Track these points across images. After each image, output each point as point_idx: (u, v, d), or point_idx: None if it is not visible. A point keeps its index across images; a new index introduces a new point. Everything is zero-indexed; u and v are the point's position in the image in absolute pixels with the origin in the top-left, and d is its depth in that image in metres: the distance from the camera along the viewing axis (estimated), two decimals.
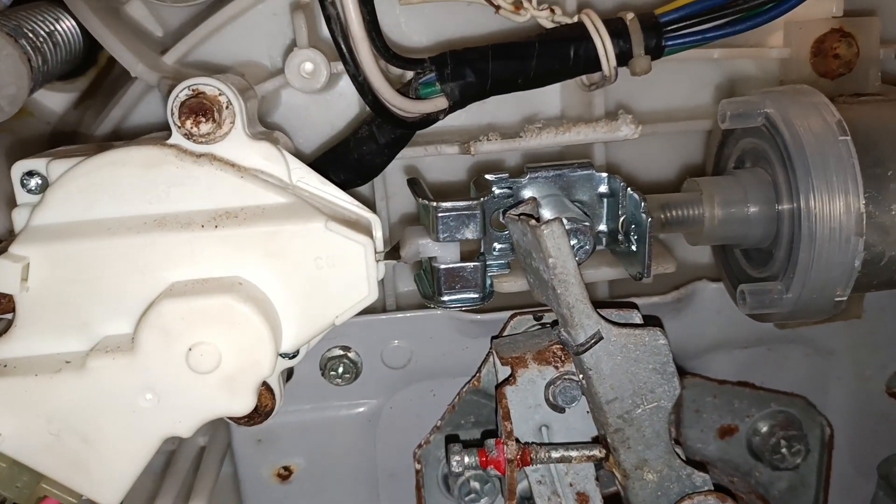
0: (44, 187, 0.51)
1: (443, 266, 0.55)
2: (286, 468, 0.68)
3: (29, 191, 0.51)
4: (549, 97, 0.67)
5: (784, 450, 0.68)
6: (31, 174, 0.51)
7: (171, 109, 0.49)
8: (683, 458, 0.55)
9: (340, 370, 0.65)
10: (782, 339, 0.69)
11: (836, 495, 0.73)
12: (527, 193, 0.58)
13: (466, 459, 0.55)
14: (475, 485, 0.65)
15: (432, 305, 0.57)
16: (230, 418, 0.53)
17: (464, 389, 0.65)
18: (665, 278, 0.67)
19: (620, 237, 0.57)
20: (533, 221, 0.51)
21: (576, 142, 0.63)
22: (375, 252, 0.52)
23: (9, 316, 0.50)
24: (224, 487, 0.73)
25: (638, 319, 0.56)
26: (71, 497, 0.49)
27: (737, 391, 0.69)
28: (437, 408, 0.67)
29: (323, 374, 0.66)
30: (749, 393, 0.69)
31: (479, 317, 0.65)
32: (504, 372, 0.58)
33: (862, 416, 0.73)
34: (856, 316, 0.67)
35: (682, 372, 0.69)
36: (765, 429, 0.69)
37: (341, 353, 0.65)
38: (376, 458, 0.69)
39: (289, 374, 0.65)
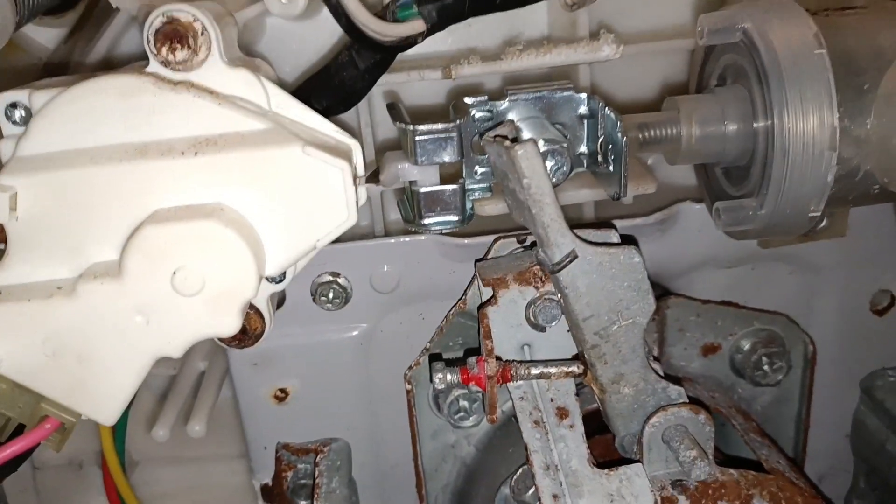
0: (28, 118, 0.51)
1: (422, 189, 0.56)
2: (282, 390, 0.70)
3: (13, 122, 0.52)
4: (534, 20, 0.66)
5: (766, 366, 0.69)
6: (14, 106, 0.52)
7: (147, 37, 0.50)
8: (661, 373, 0.56)
9: (331, 295, 0.67)
10: (766, 259, 0.70)
11: (820, 409, 0.74)
12: (508, 116, 0.58)
13: (449, 377, 0.57)
14: (464, 404, 0.67)
15: (413, 229, 0.58)
16: (221, 340, 0.55)
17: (451, 312, 0.67)
18: (651, 201, 0.68)
19: (600, 158, 0.58)
20: (507, 143, 0.52)
21: (557, 63, 0.62)
22: (355, 176, 0.52)
23: (1, 246, 0.52)
24: (224, 409, 0.76)
25: (615, 239, 0.57)
26: (70, 416, 0.51)
27: (720, 310, 0.69)
28: (426, 331, 0.68)
29: (314, 300, 0.67)
30: (732, 312, 0.70)
31: (465, 241, 0.66)
32: (487, 293, 0.59)
33: (846, 333, 0.74)
34: (840, 234, 0.67)
35: (666, 292, 0.70)
36: (747, 346, 0.70)
37: (331, 278, 0.66)
38: (369, 379, 0.71)
39: (280, 299, 0.67)
